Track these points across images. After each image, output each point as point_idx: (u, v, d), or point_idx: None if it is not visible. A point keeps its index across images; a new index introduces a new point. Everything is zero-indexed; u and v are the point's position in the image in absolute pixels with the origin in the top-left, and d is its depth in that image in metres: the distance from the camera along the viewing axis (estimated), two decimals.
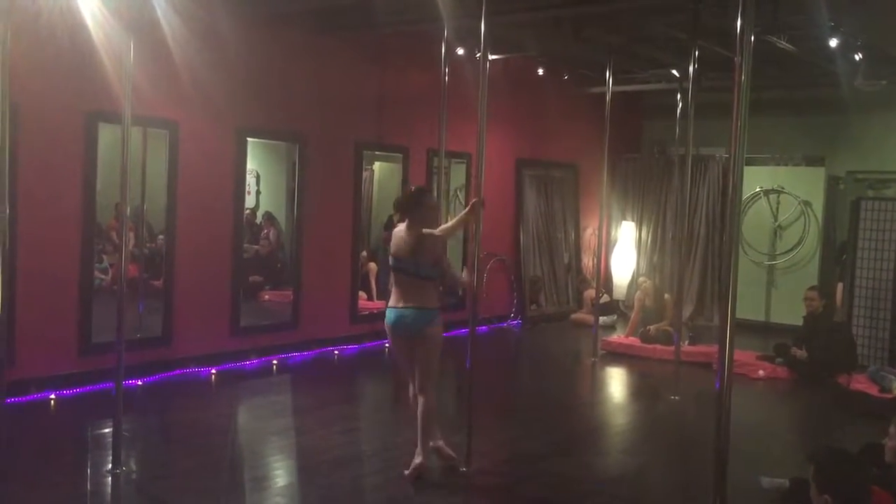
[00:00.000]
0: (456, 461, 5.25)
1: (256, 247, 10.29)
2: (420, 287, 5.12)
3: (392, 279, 5.29)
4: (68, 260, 6.73)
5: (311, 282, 8.69)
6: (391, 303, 5.20)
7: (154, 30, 6.80)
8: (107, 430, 5.36)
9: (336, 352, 8.75)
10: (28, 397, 6.39)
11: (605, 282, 12.37)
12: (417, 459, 5.08)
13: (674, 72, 9.85)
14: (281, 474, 5.30)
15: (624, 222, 12.97)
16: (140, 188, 7.65)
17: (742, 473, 4.97)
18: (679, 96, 9.17)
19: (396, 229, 5.34)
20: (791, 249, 11.65)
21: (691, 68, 7.77)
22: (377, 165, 11.34)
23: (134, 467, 5.18)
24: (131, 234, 7.95)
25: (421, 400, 5.15)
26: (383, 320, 9.68)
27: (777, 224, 11.76)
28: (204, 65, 7.37)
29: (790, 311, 10.34)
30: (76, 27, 6.44)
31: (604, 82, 9.34)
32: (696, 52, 7.69)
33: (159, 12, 6.72)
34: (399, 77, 9.52)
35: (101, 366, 6.50)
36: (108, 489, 4.87)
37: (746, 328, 10.51)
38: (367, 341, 9.20)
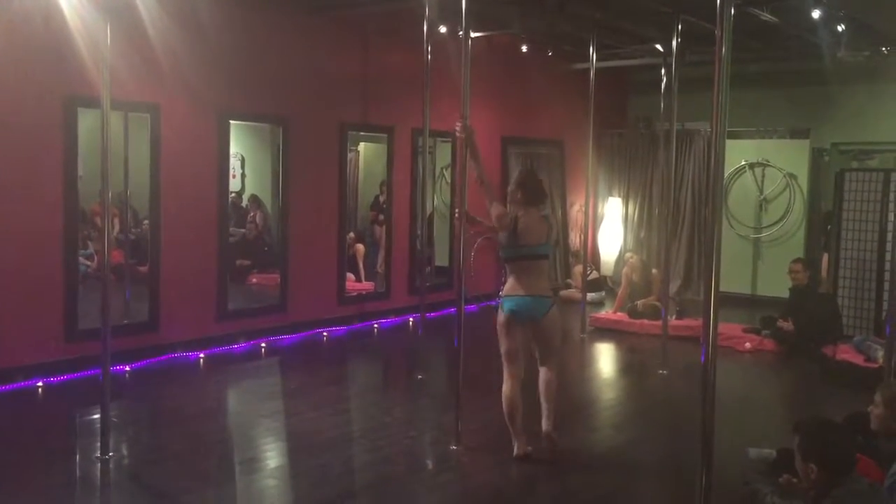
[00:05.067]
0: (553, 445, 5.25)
1: (243, 230, 10.26)
2: (545, 271, 5.35)
3: (510, 266, 5.26)
4: (52, 247, 6.68)
5: (299, 264, 8.67)
6: (518, 290, 5.15)
7: (131, 12, 6.73)
8: (95, 417, 5.34)
9: (325, 334, 8.74)
10: (15, 385, 6.37)
11: (593, 258, 12.40)
12: (547, 426, 5.20)
13: (658, 46, 9.82)
14: (272, 456, 5.31)
15: (610, 198, 12.99)
16: (123, 173, 7.60)
17: (729, 444, 5.02)
18: (663, 71, 9.14)
19: (523, 213, 5.21)
20: (777, 222, 11.69)
21: (675, 43, 7.75)
22: (363, 146, 11.29)
23: (123, 453, 5.17)
24: (116, 220, 7.91)
25: (550, 377, 5.29)
26: (370, 301, 9.73)
27: (762, 197, 11.79)
28: (183, 47, 7.30)
29: (776, 284, 10.40)
30: (50, 11, 6.36)
31: (588, 58, 9.32)
32: (680, 27, 7.67)
33: None
34: (382, 56, 9.46)
35: (89, 352, 6.47)
36: (98, 475, 4.87)
37: (733, 301, 10.59)
38: (356, 323, 9.20)
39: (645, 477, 5.20)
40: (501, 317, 5.23)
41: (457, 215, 5.33)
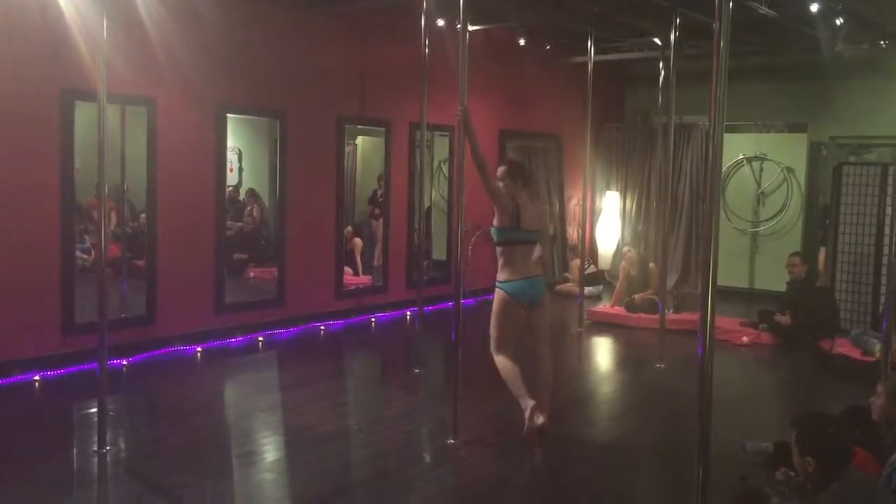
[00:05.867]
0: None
1: (240, 224, 10.23)
2: (532, 255, 5.46)
3: (508, 251, 5.36)
4: (48, 241, 6.66)
5: (296, 258, 8.66)
6: (518, 274, 5.32)
7: (127, 4, 6.71)
8: (92, 411, 5.33)
9: (322, 328, 8.74)
10: (12, 379, 6.36)
11: (591, 252, 12.40)
12: (540, 419, 5.29)
13: (656, 40, 9.81)
14: (269, 450, 5.31)
15: (608, 192, 12.98)
16: (120, 167, 7.58)
17: (726, 438, 5.03)
18: (661, 65, 9.12)
19: (521, 201, 5.39)
20: (774, 216, 11.70)
21: (673, 36, 7.74)
22: (360, 140, 11.28)
23: (121, 446, 5.17)
24: (113, 214, 7.89)
25: (546, 363, 5.44)
26: (368, 295, 9.72)
27: (760, 191, 11.79)
28: (180, 40, 7.28)
29: (774, 278, 10.41)
30: (47, 4, 6.34)
31: (586, 52, 9.31)
32: (678, 20, 7.66)
33: None
34: (380, 50, 9.44)
35: (86, 346, 6.46)
36: (95, 469, 4.87)
37: (730, 295, 10.60)
38: (353, 317, 9.20)
39: (642, 470, 5.21)
40: (503, 300, 5.34)
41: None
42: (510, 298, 5.34)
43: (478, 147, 5.27)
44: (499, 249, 5.41)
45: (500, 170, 5.52)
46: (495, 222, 5.38)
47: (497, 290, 5.39)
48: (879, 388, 4.22)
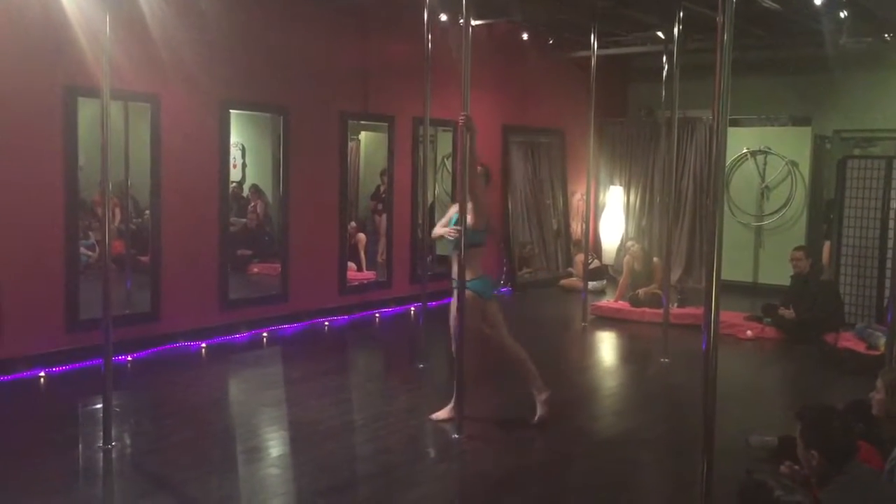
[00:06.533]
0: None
1: (244, 220, 10.25)
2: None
3: (474, 252, 5.51)
4: (53, 237, 6.67)
5: (300, 254, 8.66)
6: (477, 273, 5.55)
7: (130, 0, 6.70)
8: (97, 407, 5.35)
9: (326, 323, 8.75)
10: (16, 375, 6.37)
11: (594, 247, 12.39)
12: (543, 395, 5.60)
13: (659, 34, 9.79)
14: (274, 445, 5.32)
15: (612, 187, 12.97)
16: (124, 163, 7.59)
17: (731, 432, 5.04)
18: (665, 59, 9.11)
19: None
20: (778, 210, 11.67)
21: (676, 30, 7.73)
22: (363, 135, 11.27)
23: (126, 442, 5.19)
24: (117, 210, 7.91)
25: (518, 351, 5.73)
26: (372, 291, 9.72)
27: (764, 185, 11.77)
28: (183, 36, 7.28)
29: (778, 272, 10.39)
30: (49, 0, 6.33)
31: (589, 46, 9.28)
32: (681, 14, 7.64)
33: None
34: (383, 45, 9.43)
35: (90, 342, 6.47)
36: (100, 465, 4.88)
37: (735, 289, 10.57)
38: (357, 312, 9.20)
39: (647, 464, 5.21)
40: (473, 299, 5.48)
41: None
42: (479, 297, 5.52)
43: (475, 154, 5.34)
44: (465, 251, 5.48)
45: (478, 169, 5.59)
46: (473, 224, 5.41)
47: (467, 290, 5.39)
48: (879, 382, 4.21)
